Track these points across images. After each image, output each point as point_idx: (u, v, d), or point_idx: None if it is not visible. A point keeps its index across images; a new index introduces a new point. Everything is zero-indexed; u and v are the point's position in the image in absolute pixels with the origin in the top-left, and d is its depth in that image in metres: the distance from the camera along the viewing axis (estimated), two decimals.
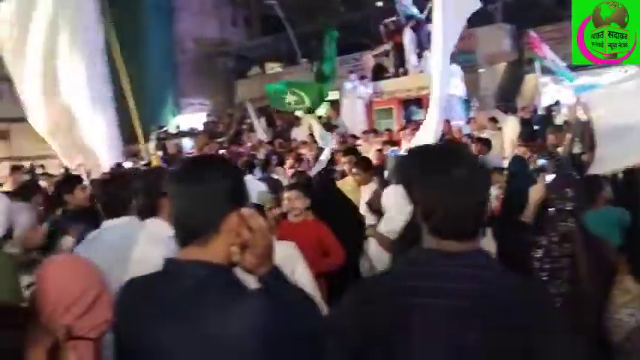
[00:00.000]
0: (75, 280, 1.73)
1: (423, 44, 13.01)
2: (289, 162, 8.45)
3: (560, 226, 3.62)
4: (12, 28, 9.17)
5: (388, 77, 14.22)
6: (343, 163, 5.84)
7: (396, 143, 9.88)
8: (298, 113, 14.90)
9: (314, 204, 3.82)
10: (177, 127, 19.52)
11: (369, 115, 13.78)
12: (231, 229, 1.34)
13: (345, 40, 14.32)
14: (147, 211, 3.43)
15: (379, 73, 14.49)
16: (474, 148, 7.51)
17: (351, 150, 6.27)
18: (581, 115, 8.51)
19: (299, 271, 3.07)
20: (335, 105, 15.08)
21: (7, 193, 3.87)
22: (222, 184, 1.36)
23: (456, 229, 1.36)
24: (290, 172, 7.47)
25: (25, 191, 4.57)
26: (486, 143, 7.83)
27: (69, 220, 3.74)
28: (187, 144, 15.72)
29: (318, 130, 10.57)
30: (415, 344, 1.31)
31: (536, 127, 10.16)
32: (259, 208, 3.20)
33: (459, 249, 1.35)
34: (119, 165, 8.53)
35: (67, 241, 3.33)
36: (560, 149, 6.70)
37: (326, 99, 14.00)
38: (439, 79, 6.94)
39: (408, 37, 13.37)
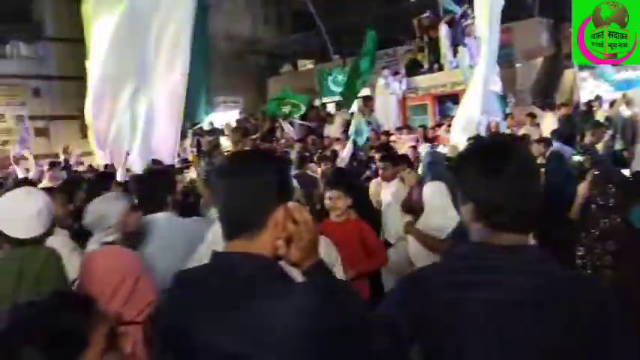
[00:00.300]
0: (115, 269, 1.80)
1: (458, 40, 12.85)
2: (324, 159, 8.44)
3: (601, 222, 3.55)
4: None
5: (423, 73, 14.09)
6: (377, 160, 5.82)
7: (430, 140, 9.79)
8: (331, 110, 14.89)
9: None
10: (211, 124, 19.73)
11: (402, 111, 13.68)
12: (277, 222, 1.35)
13: (378, 36, 14.19)
14: (184, 208, 3.52)
15: (413, 68, 14.37)
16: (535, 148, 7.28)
17: (383, 146, 6.22)
18: (624, 111, 8.30)
19: (334, 270, 3.06)
20: (367, 101, 15.02)
21: (49, 189, 3.96)
22: (268, 177, 1.37)
23: (517, 223, 1.37)
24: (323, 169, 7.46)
25: (69, 187, 4.67)
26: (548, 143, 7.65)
27: None
28: (224, 142, 15.85)
29: (356, 124, 10.46)
30: (469, 338, 1.31)
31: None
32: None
33: (517, 242, 1.37)
34: (155, 162, 8.64)
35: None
36: (598, 146, 6.54)
37: (358, 95, 13.97)
38: (484, 73, 6.88)
39: (443, 33, 13.21)
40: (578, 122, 9.73)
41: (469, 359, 1.32)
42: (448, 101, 13.28)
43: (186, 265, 2.39)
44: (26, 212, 2.19)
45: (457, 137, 8.27)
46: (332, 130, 13.62)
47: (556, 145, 7.05)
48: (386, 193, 4.80)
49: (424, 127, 11.21)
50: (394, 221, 4.38)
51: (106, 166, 9.03)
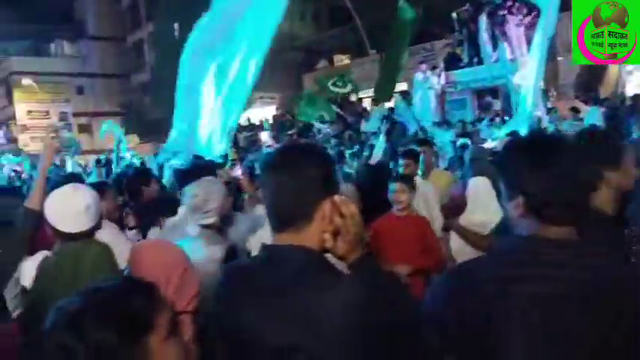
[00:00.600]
0: (163, 261, 1.85)
1: (498, 33, 12.62)
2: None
3: None
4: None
5: (462, 67, 13.89)
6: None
7: (469, 135, 9.65)
8: (367, 106, 14.84)
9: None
10: (248, 119, 19.93)
11: (440, 106, 13.51)
12: (323, 215, 1.36)
13: (416, 30, 14.03)
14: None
15: (452, 62, 14.18)
16: None
17: (424, 141, 6.13)
18: None
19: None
20: (406, 95, 14.89)
21: (98, 184, 4.06)
22: (315, 171, 1.37)
23: (567, 216, 1.36)
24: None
25: (117, 182, 4.78)
26: None
27: (148, 209, 3.88)
28: (264, 137, 16.01)
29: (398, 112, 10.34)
30: (515, 333, 1.30)
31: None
32: None
33: (566, 235, 1.36)
34: (196, 157, 8.75)
35: (154, 230, 3.51)
36: None
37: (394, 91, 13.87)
38: (536, 66, 6.76)
39: (483, 26, 12.98)
40: (623, 116, 9.44)
41: (515, 354, 1.31)
42: (488, 95, 13.05)
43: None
44: (75, 208, 2.25)
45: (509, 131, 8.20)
46: (369, 126, 13.57)
47: None
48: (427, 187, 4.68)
49: (463, 121, 11.04)
50: None
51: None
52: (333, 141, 11.68)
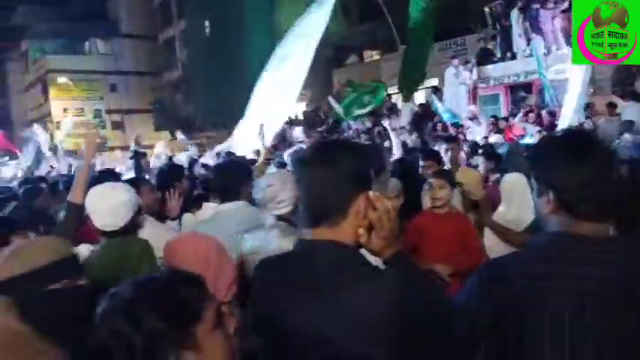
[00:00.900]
0: (197, 252, 1.89)
1: (531, 27, 12.36)
2: None
3: None
4: None
5: (494, 62, 13.66)
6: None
7: (502, 131, 9.50)
8: (397, 102, 14.73)
9: None
10: None
11: (472, 101, 13.33)
12: (358, 211, 1.37)
13: (446, 24, 13.87)
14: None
15: (484, 57, 13.96)
16: None
17: (452, 138, 6.05)
18: None
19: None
20: (435, 91, 14.74)
21: (136, 179, 4.15)
22: (350, 166, 1.37)
23: (599, 212, 1.37)
24: None
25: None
26: None
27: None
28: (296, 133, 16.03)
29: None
30: (545, 328, 1.32)
31: None
32: None
33: (598, 232, 1.36)
34: (229, 153, 8.84)
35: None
36: None
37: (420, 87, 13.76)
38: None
39: (515, 20, 12.74)
40: None
41: (546, 349, 1.32)
42: (521, 91, 12.82)
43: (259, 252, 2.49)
44: (112, 205, 2.37)
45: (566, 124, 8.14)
46: (398, 122, 13.47)
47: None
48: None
49: (496, 117, 10.86)
50: None
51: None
52: (363, 137, 11.63)
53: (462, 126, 10.42)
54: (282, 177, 2.69)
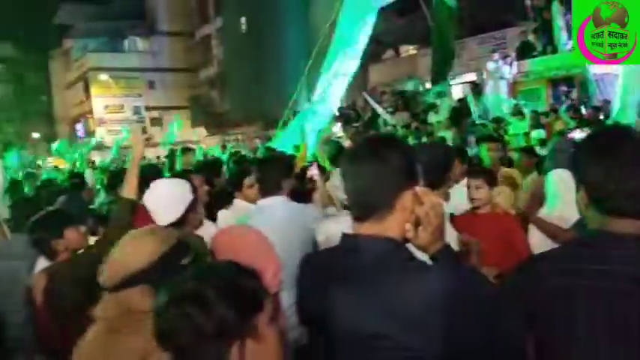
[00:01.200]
0: (248, 243, 1.92)
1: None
2: None
3: None
4: None
5: (535, 56, 13.35)
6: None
7: (543, 126, 9.29)
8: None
9: None
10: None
11: (512, 96, 13.07)
12: (405, 206, 1.37)
13: (485, 17, 13.62)
14: (298, 194, 3.58)
15: (525, 51, 13.64)
16: None
17: (490, 138, 5.84)
18: None
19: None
20: (473, 87, 14.50)
21: (187, 172, 4.23)
22: (397, 161, 1.37)
23: (630, 207, 1.34)
24: None
25: (208, 170, 4.97)
26: None
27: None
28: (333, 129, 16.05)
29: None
30: (578, 325, 1.31)
31: None
32: None
33: (631, 228, 1.33)
34: (269, 149, 8.90)
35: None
36: None
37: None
38: None
39: (557, 13, 12.42)
40: None
41: (579, 347, 1.32)
42: (563, 85, 12.50)
43: (296, 247, 2.53)
44: (170, 199, 2.47)
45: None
46: (437, 117, 13.32)
47: None
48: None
49: (536, 112, 10.61)
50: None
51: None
52: (400, 132, 11.54)
53: (502, 121, 10.20)
54: None
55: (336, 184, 3.16)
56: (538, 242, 3.31)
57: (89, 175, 7.87)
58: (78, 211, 3.29)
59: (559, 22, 12.49)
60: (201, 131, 30.24)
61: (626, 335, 1.27)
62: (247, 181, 3.83)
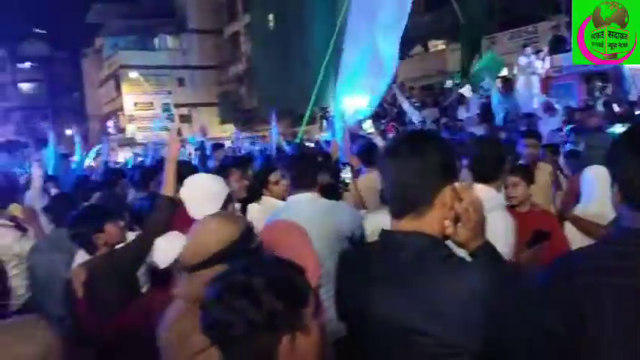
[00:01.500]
0: (290, 237, 1.95)
1: None
2: None
3: None
4: None
5: (568, 50, 13.06)
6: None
7: (576, 122, 9.09)
8: (464, 92, 14.38)
9: None
10: None
11: (545, 91, 12.81)
12: (444, 202, 1.37)
13: (517, 11, 13.39)
14: (329, 190, 3.59)
15: (557, 46, 13.37)
16: None
17: (528, 133, 5.71)
18: None
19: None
20: (504, 82, 14.27)
21: (223, 167, 4.29)
22: (437, 157, 1.37)
23: None
24: None
25: (243, 164, 5.04)
26: None
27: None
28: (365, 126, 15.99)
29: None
30: (607, 324, 1.28)
31: None
32: None
33: None
34: (301, 145, 8.90)
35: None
36: None
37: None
38: None
39: None
40: None
41: (606, 345, 1.29)
42: (597, 81, 12.20)
43: (325, 245, 2.55)
44: (207, 194, 2.54)
45: None
46: (466, 113, 13.16)
47: None
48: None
49: (570, 108, 10.39)
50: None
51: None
52: (430, 128, 11.43)
53: (534, 116, 10.01)
54: None
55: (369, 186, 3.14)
56: (574, 240, 3.26)
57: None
58: (115, 207, 3.35)
59: None
60: (230, 128, 30.49)
61: None
62: (273, 177, 3.83)
